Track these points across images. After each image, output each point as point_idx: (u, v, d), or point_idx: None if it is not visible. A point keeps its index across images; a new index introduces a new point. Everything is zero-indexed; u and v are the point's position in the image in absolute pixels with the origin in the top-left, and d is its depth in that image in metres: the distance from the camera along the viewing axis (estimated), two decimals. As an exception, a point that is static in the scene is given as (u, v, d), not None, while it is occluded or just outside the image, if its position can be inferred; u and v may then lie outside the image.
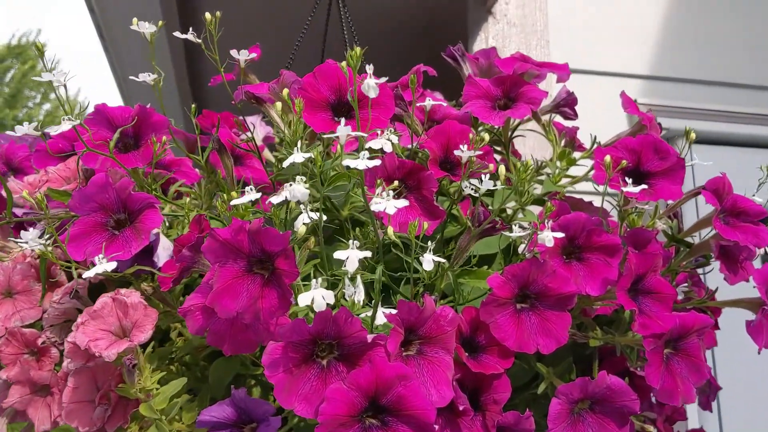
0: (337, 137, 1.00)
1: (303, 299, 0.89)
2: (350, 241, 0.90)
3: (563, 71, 1.45)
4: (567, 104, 1.56)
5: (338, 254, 0.91)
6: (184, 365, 1.30)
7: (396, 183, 1.11)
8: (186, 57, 3.69)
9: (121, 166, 1.18)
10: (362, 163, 0.94)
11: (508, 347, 1.10)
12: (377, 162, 1.00)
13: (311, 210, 0.96)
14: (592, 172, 1.29)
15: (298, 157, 0.95)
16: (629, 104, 1.37)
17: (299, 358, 0.97)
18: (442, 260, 1.00)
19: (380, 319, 0.98)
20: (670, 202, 1.35)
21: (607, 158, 1.18)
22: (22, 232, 1.10)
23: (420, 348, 1.05)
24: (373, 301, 0.98)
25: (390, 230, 0.97)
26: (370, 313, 1.02)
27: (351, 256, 0.89)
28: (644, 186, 1.18)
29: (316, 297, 0.89)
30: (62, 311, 1.26)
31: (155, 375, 1.07)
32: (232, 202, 1.01)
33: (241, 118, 1.48)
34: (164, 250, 1.20)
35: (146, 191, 1.24)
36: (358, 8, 2.34)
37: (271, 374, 0.95)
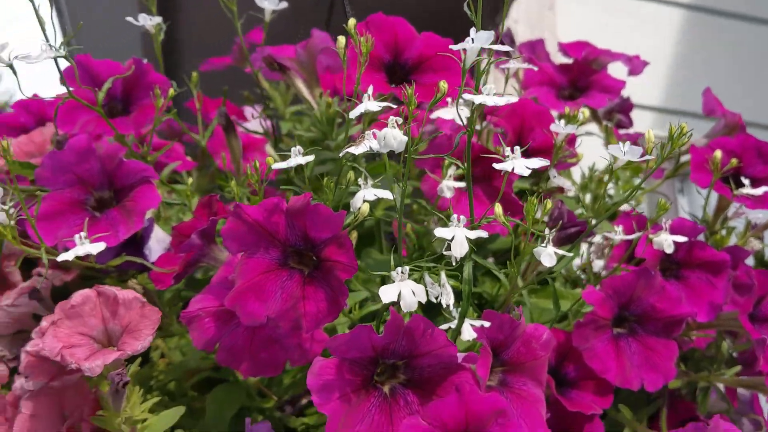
0: (395, 106, 0.75)
1: (386, 293, 0.63)
2: (453, 217, 0.65)
3: (637, 63, 1.24)
4: (622, 110, 1.35)
5: (440, 232, 0.65)
6: (166, 395, 1.02)
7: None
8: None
9: (114, 130, 0.90)
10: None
11: (609, 381, 0.85)
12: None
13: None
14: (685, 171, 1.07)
15: (371, 105, 0.70)
16: (716, 104, 1.16)
17: (359, 383, 0.70)
18: (568, 254, 0.75)
19: (467, 335, 0.72)
20: (760, 216, 1.13)
21: (717, 154, 0.96)
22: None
23: (503, 378, 0.80)
24: (459, 310, 0.72)
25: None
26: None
27: (457, 235, 0.63)
28: (765, 188, 0.96)
29: (404, 291, 0.63)
30: (15, 318, 0.97)
31: (145, 402, 0.78)
32: (275, 166, 0.75)
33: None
34: (158, 243, 0.93)
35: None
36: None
37: (323, 402, 0.68)
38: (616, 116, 1.27)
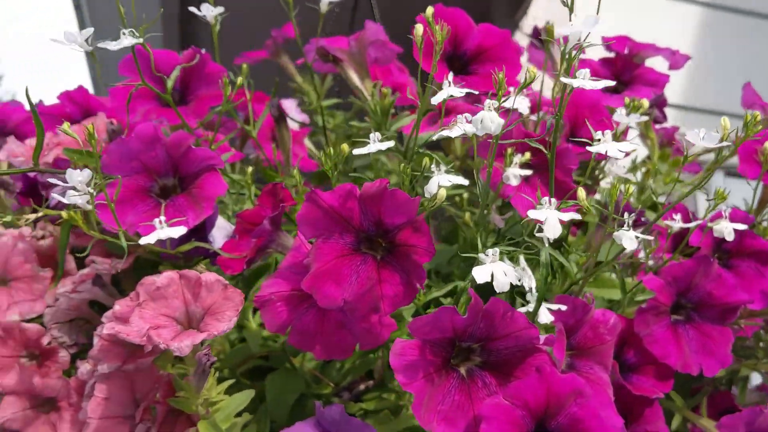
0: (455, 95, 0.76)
1: (480, 273, 0.64)
2: (543, 200, 0.66)
3: (679, 58, 1.25)
4: (657, 105, 1.36)
5: (534, 213, 0.66)
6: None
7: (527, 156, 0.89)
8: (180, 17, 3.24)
9: (181, 120, 0.91)
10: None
11: (670, 366, 0.87)
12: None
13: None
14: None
15: (454, 90, 0.72)
16: (756, 98, 1.18)
17: (439, 363, 0.72)
18: (649, 237, 0.76)
19: (544, 318, 0.74)
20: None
21: (767, 145, 0.98)
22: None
23: (571, 362, 0.81)
24: (536, 293, 0.74)
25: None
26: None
27: (550, 217, 0.65)
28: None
29: (496, 273, 0.64)
30: (74, 305, 0.99)
31: (222, 384, 0.80)
32: (356, 151, 0.76)
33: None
34: (219, 230, 0.94)
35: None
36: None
37: (408, 381, 0.69)
38: (653, 111, 1.29)
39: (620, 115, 0.83)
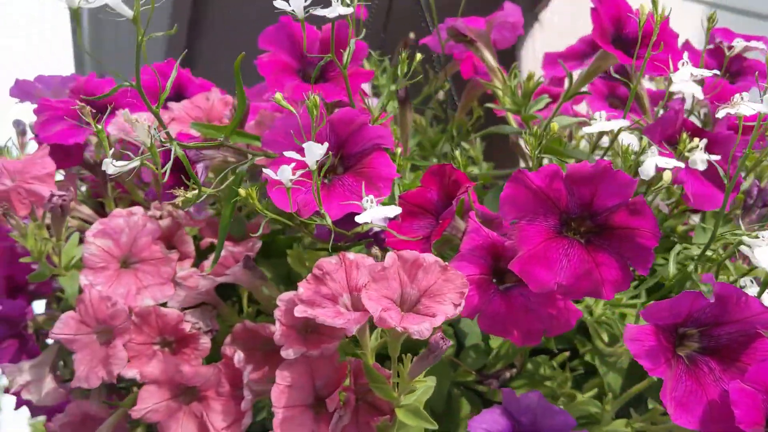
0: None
1: (762, 255, 0.64)
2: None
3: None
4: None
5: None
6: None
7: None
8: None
9: (349, 95, 0.87)
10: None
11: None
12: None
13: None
14: None
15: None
16: None
17: (672, 349, 0.71)
18: None
19: None
20: None
21: None
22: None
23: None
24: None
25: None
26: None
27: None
28: None
29: (772, 254, 0.64)
30: (206, 290, 0.94)
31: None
32: (587, 129, 0.74)
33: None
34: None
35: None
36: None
37: (653, 366, 0.68)
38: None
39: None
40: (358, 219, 0.72)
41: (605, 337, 0.89)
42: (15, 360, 1.13)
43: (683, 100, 0.98)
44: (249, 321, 0.91)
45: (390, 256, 0.72)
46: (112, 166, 0.67)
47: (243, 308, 1.01)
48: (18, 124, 1.34)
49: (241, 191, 0.79)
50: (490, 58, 1.03)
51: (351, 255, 0.80)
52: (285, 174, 0.71)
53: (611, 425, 0.85)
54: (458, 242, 0.83)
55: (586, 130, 0.77)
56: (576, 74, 1.04)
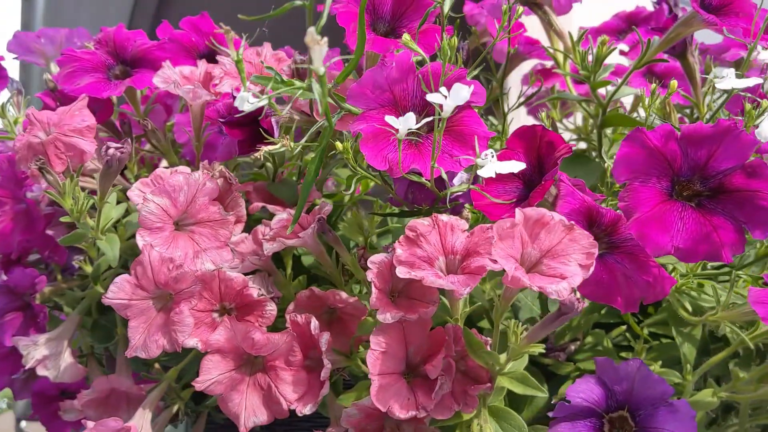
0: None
1: None
2: None
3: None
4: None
5: None
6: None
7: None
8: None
9: (421, 54, 0.82)
10: None
11: None
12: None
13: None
14: None
15: None
16: None
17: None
18: None
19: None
20: None
21: None
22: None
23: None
24: None
25: None
26: None
27: None
28: None
29: None
30: (266, 257, 0.88)
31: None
32: (720, 85, 0.72)
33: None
34: (458, 178, 0.86)
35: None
36: None
37: None
38: None
39: None
40: (481, 173, 0.68)
41: (689, 306, 0.87)
42: (20, 334, 1.04)
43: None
44: (316, 287, 0.86)
45: (519, 212, 0.68)
46: (247, 103, 0.61)
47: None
48: (13, 83, 1.24)
49: (338, 144, 0.74)
50: (557, 22, 1.00)
51: (444, 217, 0.76)
52: (405, 125, 0.66)
53: (698, 395, 0.84)
54: (547, 207, 0.80)
55: (719, 85, 0.75)
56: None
